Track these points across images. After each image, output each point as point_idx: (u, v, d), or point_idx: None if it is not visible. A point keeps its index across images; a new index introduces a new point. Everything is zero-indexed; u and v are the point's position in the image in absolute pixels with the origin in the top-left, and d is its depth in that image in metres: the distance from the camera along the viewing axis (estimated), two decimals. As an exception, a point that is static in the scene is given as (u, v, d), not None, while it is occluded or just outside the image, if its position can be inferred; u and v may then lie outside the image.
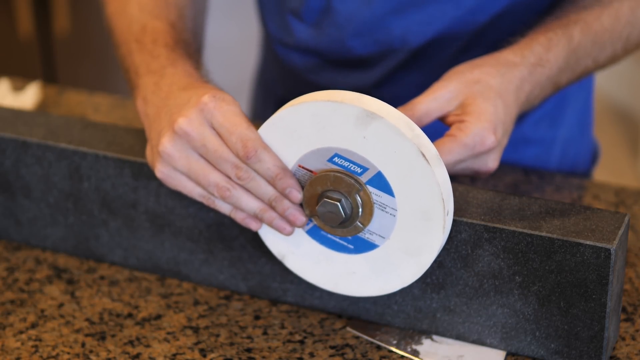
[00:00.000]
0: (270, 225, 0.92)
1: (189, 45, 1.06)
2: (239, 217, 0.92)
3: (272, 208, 0.91)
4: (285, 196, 0.90)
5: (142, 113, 0.97)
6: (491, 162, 0.95)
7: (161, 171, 0.91)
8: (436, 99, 0.95)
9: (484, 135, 0.93)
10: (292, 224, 0.91)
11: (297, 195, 0.89)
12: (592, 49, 1.05)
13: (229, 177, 0.89)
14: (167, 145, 0.90)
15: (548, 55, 1.01)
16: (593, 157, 1.37)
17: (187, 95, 0.92)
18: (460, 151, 0.92)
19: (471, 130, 0.93)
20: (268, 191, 0.90)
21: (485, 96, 0.95)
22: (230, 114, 0.89)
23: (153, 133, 0.93)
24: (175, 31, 1.06)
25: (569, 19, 1.05)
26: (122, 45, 1.08)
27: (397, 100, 1.19)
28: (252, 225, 0.93)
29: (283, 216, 0.91)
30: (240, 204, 0.91)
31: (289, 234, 0.92)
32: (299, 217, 0.90)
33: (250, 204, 0.90)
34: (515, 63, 0.99)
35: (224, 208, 0.92)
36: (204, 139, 0.89)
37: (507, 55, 1.00)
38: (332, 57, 1.21)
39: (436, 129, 1.14)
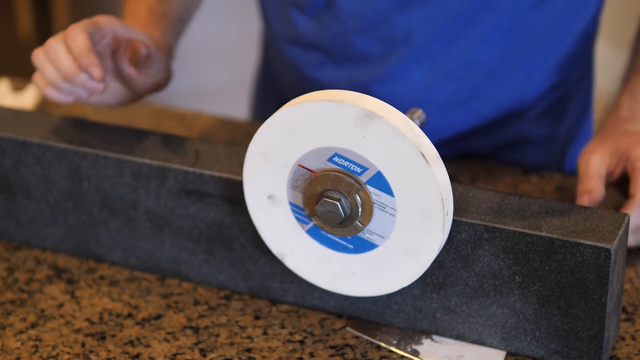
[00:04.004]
0: (69, 92, 1.03)
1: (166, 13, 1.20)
2: (40, 84, 1.03)
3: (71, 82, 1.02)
4: (89, 72, 1.01)
5: None
6: None
7: (34, 61, 1.06)
8: (594, 162, 1.05)
9: None
10: (93, 91, 1.03)
11: (97, 71, 1.00)
12: None
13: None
14: (36, 50, 1.05)
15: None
16: (594, 158, 1.37)
17: None
18: None
19: None
20: (66, 65, 1.01)
21: (625, 137, 1.05)
22: (75, 28, 1.05)
23: None
24: None
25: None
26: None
27: (399, 96, 1.19)
28: (51, 94, 1.03)
29: (84, 87, 1.02)
30: (44, 70, 1.03)
31: (88, 98, 1.05)
32: (98, 86, 1.01)
33: (52, 73, 1.02)
34: (619, 122, 1.10)
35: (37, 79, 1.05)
36: (51, 41, 1.04)
37: (608, 123, 1.12)
38: (334, 52, 1.21)
39: (436, 129, 1.14)
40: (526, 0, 1.13)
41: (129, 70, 1.07)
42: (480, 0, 1.12)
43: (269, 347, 0.94)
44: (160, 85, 1.10)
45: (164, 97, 1.43)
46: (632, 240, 1.02)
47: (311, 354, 0.94)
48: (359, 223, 0.89)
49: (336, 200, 0.88)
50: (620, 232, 0.87)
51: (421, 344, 0.95)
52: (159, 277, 1.04)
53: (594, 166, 1.04)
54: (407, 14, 1.14)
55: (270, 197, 0.93)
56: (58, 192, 1.04)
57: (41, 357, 0.94)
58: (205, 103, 2.52)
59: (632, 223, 1.00)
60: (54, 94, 1.03)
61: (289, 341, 0.95)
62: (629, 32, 1.18)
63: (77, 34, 1.02)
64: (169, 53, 1.15)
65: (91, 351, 0.94)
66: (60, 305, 1.01)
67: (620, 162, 1.04)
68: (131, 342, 0.95)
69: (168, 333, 0.97)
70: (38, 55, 1.03)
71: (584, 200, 1.02)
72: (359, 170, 0.87)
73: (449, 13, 1.13)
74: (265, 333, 0.96)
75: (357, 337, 0.96)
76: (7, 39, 2.64)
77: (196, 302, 1.01)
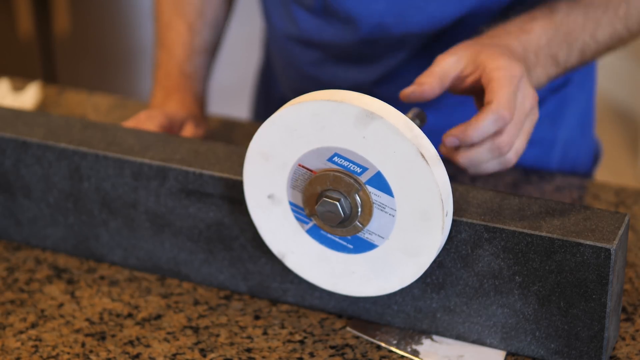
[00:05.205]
0: None
1: (197, 65, 1.29)
2: None
3: None
4: None
5: None
6: (531, 90, 0.97)
7: None
8: (446, 63, 0.98)
9: (511, 63, 0.95)
10: None
11: None
12: (585, 23, 1.06)
13: None
14: None
15: (531, 24, 1.04)
16: (595, 158, 1.37)
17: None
18: (509, 80, 0.94)
19: (498, 64, 0.95)
20: None
21: (488, 49, 0.98)
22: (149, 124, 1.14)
23: None
24: (191, 35, 1.28)
25: (554, 1, 1.07)
26: (155, 20, 1.33)
27: (398, 98, 1.19)
28: None
29: None
30: None
31: None
32: None
33: None
34: (498, 34, 1.02)
35: None
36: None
37: (488, 32, 1.04)
38: (334, 51, 1.21)
39: (436, 128, 1.14)
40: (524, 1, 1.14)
41: None
42: (478, 4, 1.12)
43: (269, 347, 0.94)
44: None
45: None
46: (485, 155, 0.96)
47: (311, 354, 0.94)
48: (358, 223, 0.89)
49: (336, 200, 0.88)
50: (620, 232, 0.87)
51: (421, 344, 0.95)
52: (159, 277, 1.04)
53: (444, 65, 0.98)
54: (404, 18, 1.14)
55: (270, 196, 0.93)
56: (58, 192, 1.04)
57: (41, 357, 0.94)
58: (205, 103, 2.52)
59: (485, 131, 0.94)
60: None
61: (289, 341, 0.95)
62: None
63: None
64: (201, 110, 1.27)
65: (91, 351, 0.94)
66: (60, 305, 1.01)
67: (475, 71, 0.98)
68: (131, 342, 0.95)
69: (168, 333, 0.97)
70: None
71: (409, 89, 0.97)
72: (358, 170, 0.87)
73: (446, 17, 1.13)
74: (265, 333, 0.96)
75: (357, 337, 0.96)
76: (7, 39, 2.64)
77: (196, 302, 1.01)
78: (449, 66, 0.98)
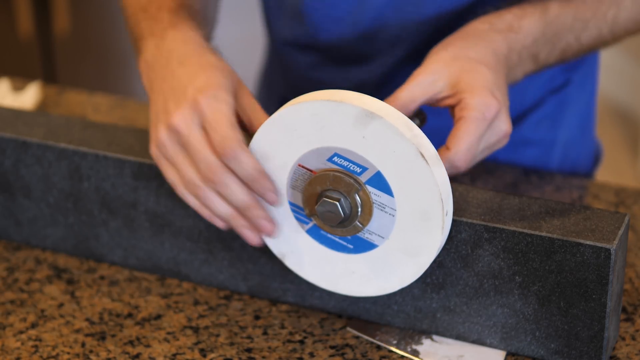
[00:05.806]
0: (239, 232, 0.92)
1: (192, 8, 1.07)
2: (205, 213, 0.93)
3: (243, 216, 0.91)
4: (263, 196, 0.90)
5: (145, 76, 0.99)
6: (504, 125, 0.95)
7: (154, 152, 0.94)
8: (419, 84, 0.95)
9: (487, 102, 0.93)
10: (261, 232, 0.92)
11: (274, 196, 0.90)
12: (573, 24, 1.05)
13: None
14: (161, 135, 0.92)
15: (520, 22, 1.02)
16: (595, 159, 1.37)
17: (185, 75, 0.94)
18: (477, 125, 0.92)
19: (473, 103, 0.93)
20: (240, 198, 0.90)
21: (468, 69, 0.95)
22: (218, 113, 0.90)
23: (152, 113, 0.95)
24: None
25: None
26: (130, 17, 1.09)
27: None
28: (218, 223, 0.93)
29: (254, 223, 0.91)
30: (210, 204, 0.91)
31: (258, 244, 0.92)
32: (269, 226, 0.91)
33: (220, 207, 0.91)
34: (484, 30, 1.00)
35: (192, 202, 0.93)
36: (190, 136, 0.90)
37: (476, 24, 1.01)
38: (332, 54, 1.21)
39: (437, 129, 1.14)
40: None
41: None
42: (475, 3, 1.12)
43: (269, 347, 0.94)
44: None
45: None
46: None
47: (311, 354, 0.94)
48: (358, 223, 0.89)
49: (336, 200, 0.88)
50: (620, 232, 0.87)
51: (421, 344, 0.95)
52: (159, 277, 1.04)
53: (414, 89, 0.95)
54: (401, 16, 1.14)
55: (270, 197, 0.93)
56: (58, 192, 1.04)
57: (41, 357, 0.94)
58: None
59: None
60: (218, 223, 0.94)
61: (289, 341, 0.95)
62: (633, 36, 1.17)
63: (240, 154, 0.89)
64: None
65: (91, 351, 0.94)
66: (60, 305, 1.01)
67: (454, 96, 0.95)
68: (131, 342, 0.95)
69: (168, 333, 0.97)
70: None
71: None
72: (358, 170, 0.87)
73: (443, 16, 1.13)
74: (265, 333, 0.96)
75: (357, 337, 0.96)
76: (7, 39, 2.64)
77: (196, 302, 1.01)
78: (420, 89, 0.95)
